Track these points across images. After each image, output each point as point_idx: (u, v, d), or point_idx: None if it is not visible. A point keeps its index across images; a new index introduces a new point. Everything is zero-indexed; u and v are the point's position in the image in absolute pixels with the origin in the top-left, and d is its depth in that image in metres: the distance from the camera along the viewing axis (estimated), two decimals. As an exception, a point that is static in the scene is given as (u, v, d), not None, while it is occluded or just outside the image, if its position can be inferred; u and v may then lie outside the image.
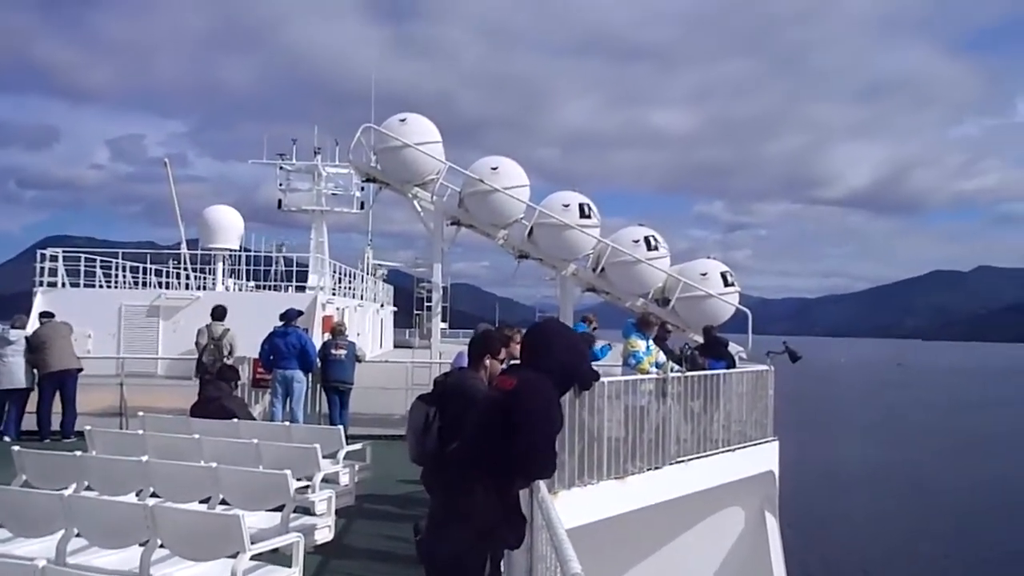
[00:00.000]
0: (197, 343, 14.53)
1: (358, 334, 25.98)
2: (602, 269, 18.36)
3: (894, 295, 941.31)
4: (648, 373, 11.27)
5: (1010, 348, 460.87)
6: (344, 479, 8.66)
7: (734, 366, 13.53)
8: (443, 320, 25.62)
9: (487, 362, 5.94)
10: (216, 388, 9.89)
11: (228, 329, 14.29)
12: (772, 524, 13.53)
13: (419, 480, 5.91)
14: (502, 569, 5.09)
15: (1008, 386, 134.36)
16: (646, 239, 18.09)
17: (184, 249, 25.08)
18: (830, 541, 33.29)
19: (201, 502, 6.82)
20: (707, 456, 11.75)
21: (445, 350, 18.05)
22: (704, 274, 17.99)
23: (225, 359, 13.65)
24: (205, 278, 24.96)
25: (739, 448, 12.55)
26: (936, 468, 49.63)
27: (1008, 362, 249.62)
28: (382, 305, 37.48)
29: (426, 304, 34.64)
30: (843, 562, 30.80)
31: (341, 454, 9.00)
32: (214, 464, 6.82)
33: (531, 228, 18.68)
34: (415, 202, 19.45)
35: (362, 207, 33.15)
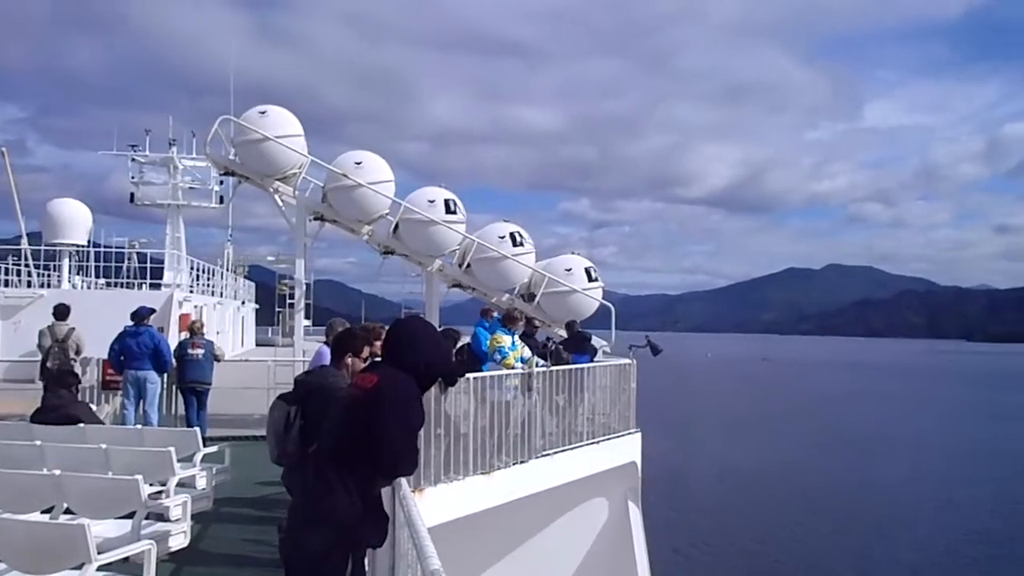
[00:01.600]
0: (40, 345, 13.79)
1: (217, 333, 25.28)
2: (468, 265, 18.49)
3: (752, 291, 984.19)
4: (513, 368, 11.41)
5: (857, 342, 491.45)
6: (201, 483, 8.44)
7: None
8: (306, 317, 25.15)
9: (349, 360, 5.90)
10: (56, 396, 9.35)
11: (73, 328, 13.60)
12: (635, 514, 13.95)
13: (280, 481, 5.82)
14: (365, 568, 5.08)
15: (865, 380, 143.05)
16: (512, 235, 18.32)
17: (25, 244, 23.70)
18: (692, 530, 34.56)
19: (44, 512, 6.51)
20: (572, 449, 12.00)
21: (308, 348, 17.75)
22: (569, 270, 18.37)
23: (72, 361, 13.00)
24: (49, 275, 23.66)
25: (603, 440, 12.87)
26: (801, 462, 52.18)
27: (859, 356, 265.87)
28: (243, 302, 36.52)
29: (289, 301, 33.89)
30: (704, 551, 32.04)
31: (198, 457, 8.77)
32: (57, 472, 6.52)
33: (396, 224, 18.60)
34: (276, 197, 19.01)
35: (221, 201, 32.14)
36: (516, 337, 12.20)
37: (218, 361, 14.23)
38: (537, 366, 11.58)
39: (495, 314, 13.29)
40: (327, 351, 7.71)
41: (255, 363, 18.48)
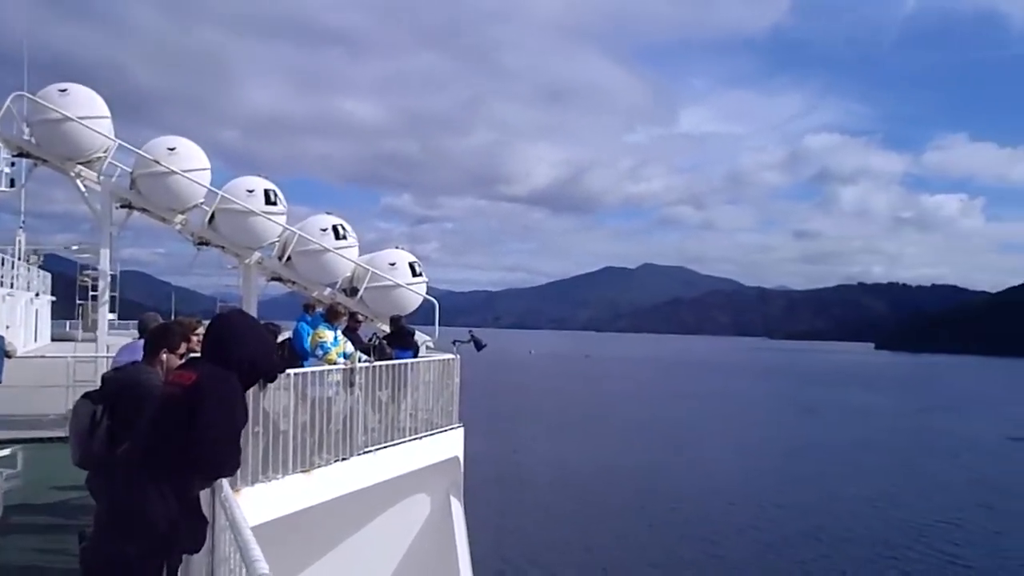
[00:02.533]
0: None
1: (7, 327, 23.53)
2: (288, 258, 18.03)
3: (571, 289, 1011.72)
4: (336, 363, 11.27)
5: (670, 339, 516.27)
6: (-11, 489, 7.83)
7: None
8: (111, 311, 23.75)
9: (164, 356, 5.66)
10: None
11: None
12: (457, 509, 14.08)
13: (83, 485, 5.50)
14: (179, 575, 4.88)
15: (680, 376, 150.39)
16: (334, 228, 18.02)
17: None
18: (514, 525, 35.17)
19: None
20: (394, 445, 11.97)
21: (113, 343, 16.78)
22: (393, 264, 18.27)
23: None
24: None
25: (426, 436, 12.91)
26: (621, 458, 54.01)
27: (674, 354, 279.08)
28: (37, 294, 34.07)
29: (91, 293, 31.87)
30: (525, 545, 32.67)
31: (-14, 461, 8.13)
32: None
33: (212, 214, 17.87)
34: (79, 181, 17.84)
35: (12, 185, 29.74)
36: (339, 332, 12.05)
37: (9, 357, 13.28)
38: (360, 361, 11.49)
39: (318, 309, 13.06)
40: (139, 346, 7.33)
41: (52, 359, 17.28)
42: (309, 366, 10.94)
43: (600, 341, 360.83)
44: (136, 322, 9.01)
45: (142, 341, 7.83)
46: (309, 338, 11.73)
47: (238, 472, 8.07)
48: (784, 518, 38.10)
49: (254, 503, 8.37)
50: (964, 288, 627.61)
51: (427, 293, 18.61)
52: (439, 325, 18.60)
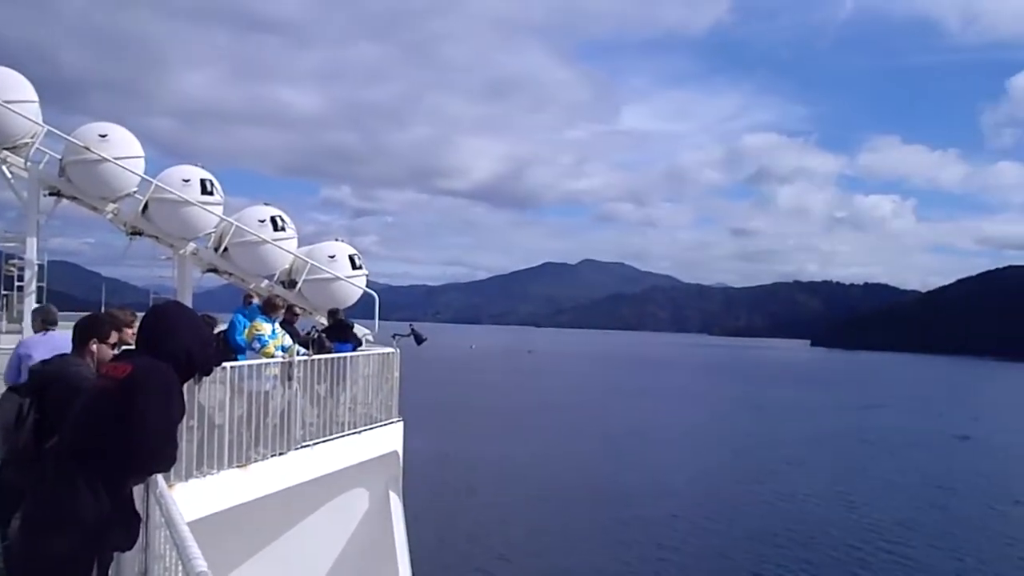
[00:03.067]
0: None
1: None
2: (225, 249, 17.73)
3: (511, 284, 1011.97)
4: (273, 357, 11.13)
5: (611, 334, 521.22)
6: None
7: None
8: (37, 302, 23.07)
9: (94, 347, 5.52)
10: None
11: None
12: (396, 503, 14.03)
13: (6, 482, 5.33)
14: (110, 573, 4.77)
15: (623, 372, 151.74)
16: (273, 219, 17.78)
17: None
18: (453, 520, 35.13)
19: None
20: (333, 439, 11.89)
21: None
22: (332, 256, 18.09)
23: None
24: None
25: (365, 430, 12.83)
26: (563, 452, 54.27)
27: (616, 349, 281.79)
28: (-44, 285, 32.86)
29: (17, 284, 30.93)
30: (464, 540, 32.69)
31: None
32: None
33: (146, 203, 17.48)
34: (4, 168, 17.35)
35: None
36: (277, 325, 11.90)
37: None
38: (298, 355, 11.37)
39: (254, 301, 12.87)
40: (42, 340, 7.16)
41: (-26, 352, 16.69)
42: (246, 359, 10.78)
43: (541, 336, 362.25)
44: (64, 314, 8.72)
45: (47, 335, 7.62)
46: (245, 331, 11.55)
47: (172, 467, 7.93)
48: (732, 515, 38.31)
49: (188, 498, 8.22)
50: (895, 287, 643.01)
51: (367, 286, 18.48)
52: (379, 319, 18.48)
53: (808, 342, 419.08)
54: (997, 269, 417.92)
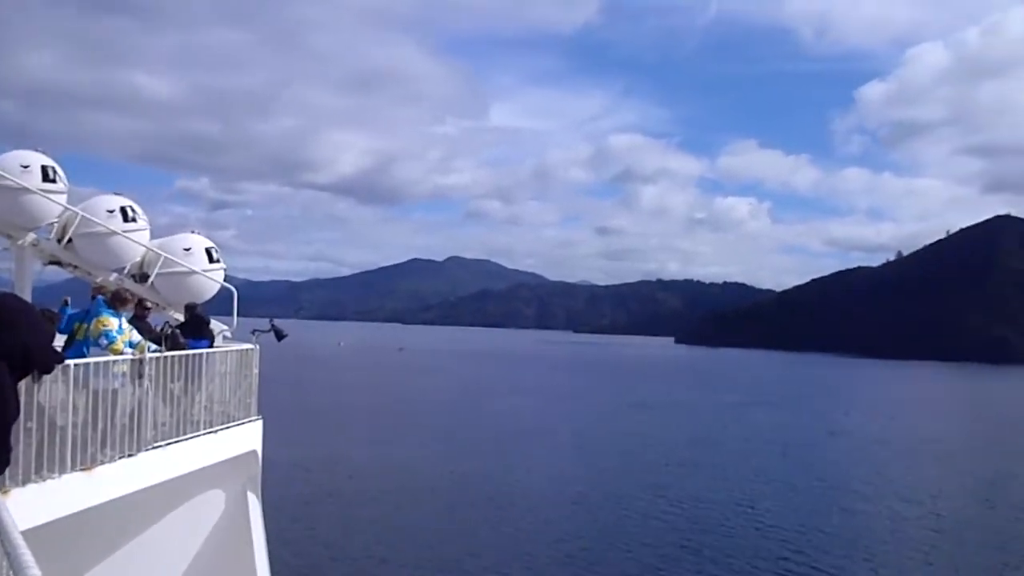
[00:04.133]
0: None
1: None
2: (69, 240, 16.79)
3: (376, 280, 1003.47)
4: (122, 353, 10.62)
5: (479, 331, 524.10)
6: None
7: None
8: None
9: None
10: None
11: None
12: (254, 504, 13.66)
13: None
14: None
15: (494, 368, 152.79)
16: (123, 209, 16.95)
17: None
18: (314, 519, 34.61)
19: None
20: (187, 439, 11.47)
21: None
22: (188, 249, 17.41)
23: None
24: None
25: (222, 429, 12.44)
26: (431, 451, 54.08)
27: (485, 346, 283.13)
28: None
29: None
30: (325, 540, 32.23)
31: None
32: None
33: (-22, 191, 16.35)
34: None
35: None
36: (124, 320, 11.36)
37: None
38: (149, 351, 10.90)
39: (98, 295, 12.25)
40: None
41: None
42: (90, 355, 10.24)
43: (410, 333, 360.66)
44: None
45: None
46: (91, 325, 10.97)
47: (6, 471, 7.46)
48: (610, 516, 38.35)
49: (25, 504, 7.73)
50: (752, 286, 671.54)
51: (225, 281, 17.88)
52: (237, 315, 17.93)
53: (672, 339, 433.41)
54: (848, 269, 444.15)
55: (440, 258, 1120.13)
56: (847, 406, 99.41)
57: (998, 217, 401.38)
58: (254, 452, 13.57)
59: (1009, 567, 32.66)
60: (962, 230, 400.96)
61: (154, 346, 11.36)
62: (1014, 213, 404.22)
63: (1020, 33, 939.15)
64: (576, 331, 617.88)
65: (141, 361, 10.53)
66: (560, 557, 31.74)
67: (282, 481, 37.98)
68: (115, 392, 10.13)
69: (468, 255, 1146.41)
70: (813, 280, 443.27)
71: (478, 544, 33.07)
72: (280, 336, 15.08)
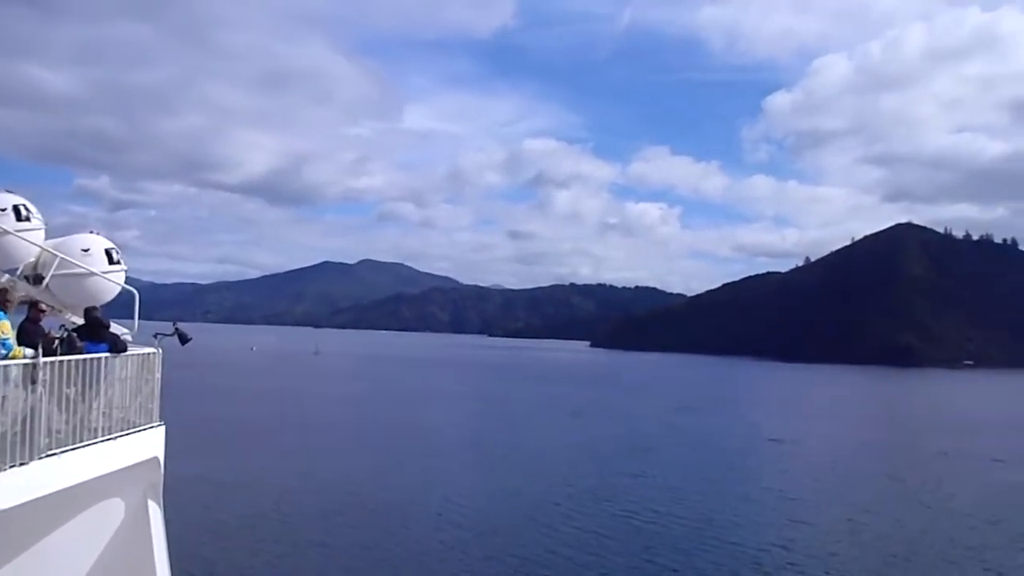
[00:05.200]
0: None
1: None
2: (-42, 240, 16.18)
3: (286, 283, 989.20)
4: (19, 358, 10.33)
5: (392, 335, 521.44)
6: None
7: (121, 349, 13.07)
8: None
9: None
10: None
11: None
12: (156, 512, 13.37)
13: None
14: None
15: (414, 374, 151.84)
16: (16, 208, 16.37)
17: None
18: (217, 528, 33.97)
19: None
20: (84, 446, 11.18)
21: None
22: (86, 250, 16.92)
23: None
24: None
25: (121, 436, 12.16)
26: (343, 459, 53.46)
27: (402, 350, 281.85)
28: None
29: None
30: (229, 549, 31.65)
31: None
32: None
33: None
34: None
35: None
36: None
37: None
38: (25, 355, 10.58)
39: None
40: None
41: None
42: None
43: (323, 337, 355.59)
44: None
45: None
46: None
47: None
48: (550, 526, 37.45)
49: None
50: (663, 290, 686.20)
51: (126, 283, 17.46)
52: (140, 318, 17.53)
53: (587, 343, 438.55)
54: (758, 275, 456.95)
55: (352, 261, 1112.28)
56: (774, 410, 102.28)
57: (900, 225, 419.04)
58: (155, 459, 13.29)
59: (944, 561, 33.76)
60: (866, 237, 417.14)
61: (29, 351, 11.01)
62: (916, 221, 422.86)
63: (918, 48, 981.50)
64: (491, 335, 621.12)
65: (35, 366, 10.25)
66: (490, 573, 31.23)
67: (186, 490, 37.15)
68: (3, 399, 9.86)
69: (381, 258, 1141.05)
70: (724, 285, 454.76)
71: (395, 559, 32.64)
72: (184, 340, 14.80)
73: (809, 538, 36.94)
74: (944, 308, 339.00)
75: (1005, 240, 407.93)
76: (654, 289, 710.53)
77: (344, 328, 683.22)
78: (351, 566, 31.07)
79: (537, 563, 31.81)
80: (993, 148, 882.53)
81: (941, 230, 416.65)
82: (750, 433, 75.45)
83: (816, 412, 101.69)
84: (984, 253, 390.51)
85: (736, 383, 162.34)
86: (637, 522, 38.94)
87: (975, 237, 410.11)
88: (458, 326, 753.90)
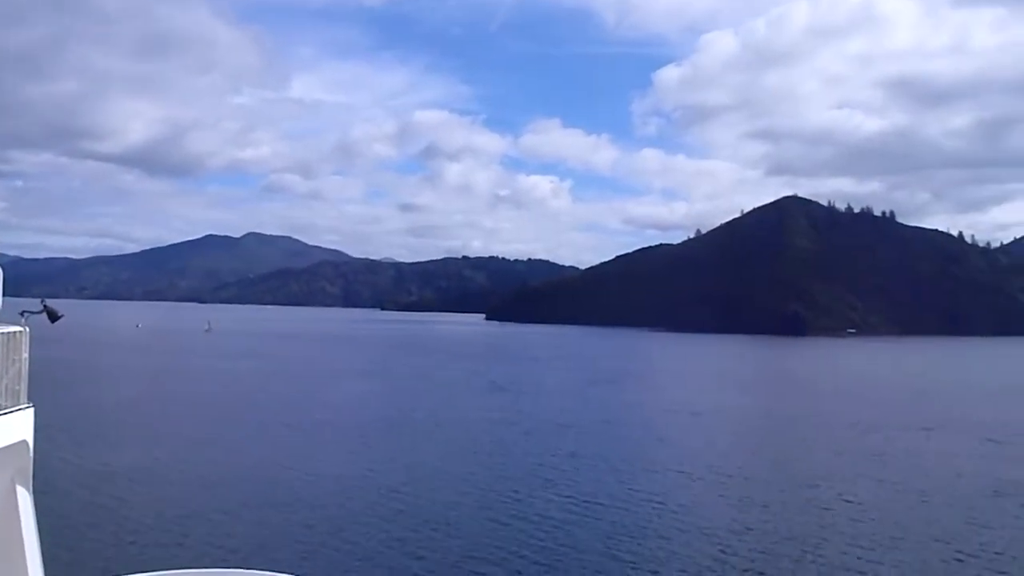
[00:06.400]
0: None
1: None
2: None
3: (169, 258, 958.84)
4: None
5: (281, 310, 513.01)
6: None
7: None
8: None
9: None
10: None
11: None
12: (25, 498, 12.86)
13: None
14: None
15: (314, 350, 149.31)
16: None
17: None
18: (91, 513, 32.85)
19: None
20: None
21: None
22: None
23: None
24: None
25: (-15, 419, 11.66)
26: (232, 441, 51.93)
27: (297, 326, 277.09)
28: None
29: None
30: (105, 534, 30.59)
31: None
32: None
33: None
34: None
35: None
36: None
37: None
38: None
39: None
40: None
41: None
42: None
43: (211, 313, 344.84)
44: None
45: None
46: None
47: None
48: (481, 512, 35.80)
49: None
50: (555, 263, 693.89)
51: (-10, 257, 16.67)
52: (7, 295, 16.77)
53: (482, 316, 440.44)
54: (651, 247, 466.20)
55: (237, 234, 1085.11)
56: (686, 382, 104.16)
57: (786, 198, 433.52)
58: (24, 443, 12.78)
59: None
60: (755, 210, 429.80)
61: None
62: (800, 194, 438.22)
63: (802, 25, 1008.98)
64: (384, 309, 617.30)
65: None
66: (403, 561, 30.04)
67: (59, 475, 35.74)
68: None
69: (267, 231, 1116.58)
70: (618, 257, 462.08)
71: (268, 534, 31.62)
72: (54, 317, 14.23)
73: (761, 517, 36.18)
74: (829, 279, 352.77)
75: (884, 213, 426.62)
76: (546, 262, 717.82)
77: (231, 304, 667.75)
78: (228, 543, 29.93)
79: (482, 553, 30.08)
80: (870, 124, 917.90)
81: (825, 203, 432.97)
82: (668, 407, 76.12)
83: (726, 383, 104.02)
84: (865, 225, 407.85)
85: (640, 355, 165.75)
86: (584, 505, 37.38)
87: (856, 210, 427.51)
88: (350, 300, 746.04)
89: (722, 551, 30.50)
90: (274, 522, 33.39)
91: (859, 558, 29.96)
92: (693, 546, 31.27)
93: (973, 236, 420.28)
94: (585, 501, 37.63)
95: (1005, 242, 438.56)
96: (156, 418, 58.61)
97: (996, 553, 30.64)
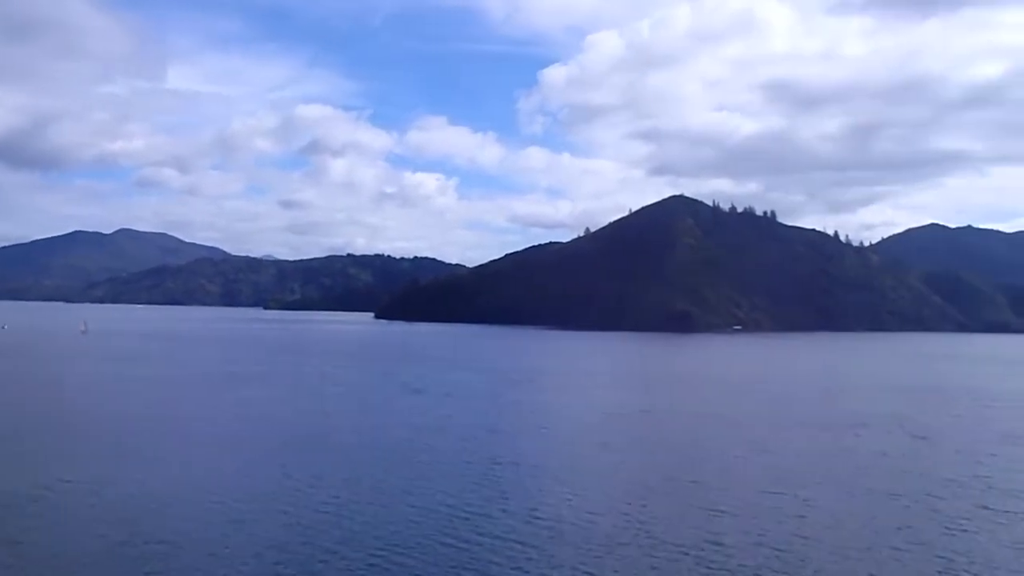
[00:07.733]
0: None
1: None
2: None
3: (31, 255, 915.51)
4: None
5: (156, 309, 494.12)
6: None
7: None
8: None
9: None
10: None
11: None
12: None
13: None
14: None
15: (204, 352, 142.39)
16: None
17: None
18: None
19: None
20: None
21: None
22: None
23: None
24: None
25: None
26: (121, 455, 48.01)
27: (178, 325, 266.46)
28: None
29: None
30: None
31: None
32: None
33: None
34: None
35: None
36: None
37: None
38: None
39: None
40: None
41: None
42: None
43: (83, 313, 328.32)
44: None
45: None
46: None
47: None
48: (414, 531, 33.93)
49: None
50: (442, 261, 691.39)
51: None
52: None
53: (371, 315, 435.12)
54: (540, 245, 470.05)
55: (108, 230, 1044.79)
56: (598, 381, 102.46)
57: (672, 197, 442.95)
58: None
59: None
60: (643, 208, 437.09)
61: None
62: (684, 194, 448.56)
63: (684, 28, 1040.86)
64: (266, 308, 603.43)
65: None
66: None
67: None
68: None
69: (141, 227, 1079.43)
70: (507, 255, 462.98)
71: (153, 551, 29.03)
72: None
73: (727, 523, 35.03)
74: (715, 277, 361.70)
75: (765, 213, 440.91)
76: (433, 259, 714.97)
77: (103, 303, 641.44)
78: (112, 563, 27.29)
79: None
80: (748, 127, 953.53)
81: (710, 203, 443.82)
82: (593, 408, 74.30)
83: (636, 382, 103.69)
84: (748, 225, 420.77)
85: (545, 353, 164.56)
86: (543, 517, 35.24)
87: (740, 210, 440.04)
88: (229, 299, 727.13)
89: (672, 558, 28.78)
90: (187, 555, 29.67)
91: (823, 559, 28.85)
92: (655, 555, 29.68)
93: (847, 236, 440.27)
94: (540, 517, 35.23)
95: (873, 241, 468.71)
96: (28, 434, 53.18)
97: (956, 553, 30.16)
